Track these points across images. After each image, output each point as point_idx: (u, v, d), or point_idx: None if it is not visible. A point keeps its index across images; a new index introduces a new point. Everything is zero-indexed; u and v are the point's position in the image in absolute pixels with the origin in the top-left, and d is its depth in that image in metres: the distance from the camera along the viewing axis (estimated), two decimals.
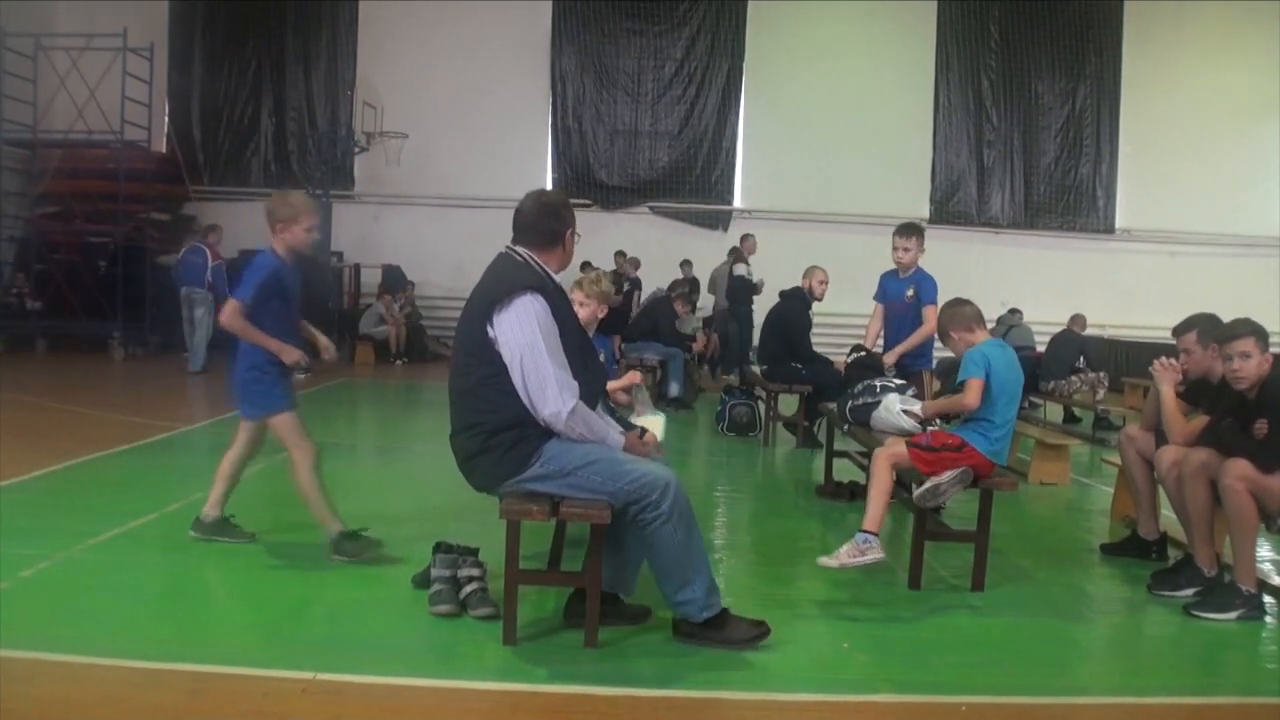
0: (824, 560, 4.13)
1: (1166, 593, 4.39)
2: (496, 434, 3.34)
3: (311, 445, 4.39)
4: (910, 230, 6.38)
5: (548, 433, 3.34)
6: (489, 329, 3.32)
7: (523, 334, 3.28)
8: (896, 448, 4.39)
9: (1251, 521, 4.05)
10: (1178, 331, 4.70)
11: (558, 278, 3.58)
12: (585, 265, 10.10)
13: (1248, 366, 4.10)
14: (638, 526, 3.33)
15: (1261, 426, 4.08)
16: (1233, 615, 4.08)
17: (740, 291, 12.91)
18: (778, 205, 16.97)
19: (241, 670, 3.14)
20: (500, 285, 3.39)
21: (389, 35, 16.67)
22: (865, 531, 4.15)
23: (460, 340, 3.50)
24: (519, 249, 3.52)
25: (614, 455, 3.39)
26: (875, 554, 4.12)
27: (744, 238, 13.61)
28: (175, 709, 2.91)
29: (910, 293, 6.26)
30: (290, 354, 4.32)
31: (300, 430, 4.37)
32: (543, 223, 3.52)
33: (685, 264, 14.91)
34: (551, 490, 3.37)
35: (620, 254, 14.86)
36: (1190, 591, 4.31)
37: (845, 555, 4.10)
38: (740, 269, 13.06)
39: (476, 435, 3.38)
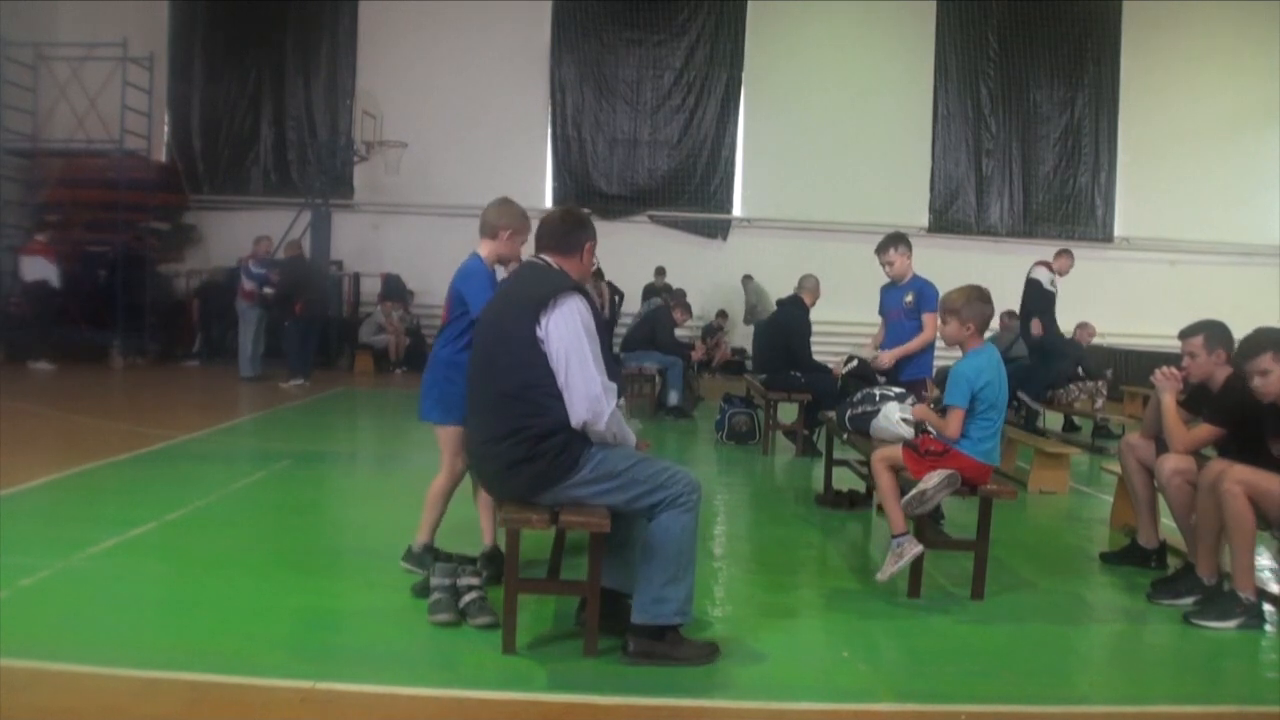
0: (878, 575, 4.37)
1: (1167, 601, 4.39)
2: (544, 439, 3.31)
3: (461, 466, 4.22)
4: (888, 243, 6.21)
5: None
6: (537, 330, 3.32)
7: (571, 335, 3.30)
8: (889, 449, 4.57)
9: (1249, 526, 4.04)
10: (1184, 334, 4.65)
11: None
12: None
13: (1269, 383, 4.10)
14: (658, 513, 3.35)
15: None
16: (1233, 624, 4.08)
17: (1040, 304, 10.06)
18: (777, 214, 17.02)
19: (240, 679, 3.14)
20: (544, 286, 3.39)
21: (389, 44, 16.71)
22: (895, 536, 4.35)
23: (498, 344, 3.42)
24: (544, 256, 3.59)
25: (645, 455, 3.52)
26: (912, 551, 4.30)
27: (1059, 254, 10.31)
28: (174, 718, 2.91)
29: (909, 298, 6.11)
30: None
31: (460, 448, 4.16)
32: (566, 230, 3.61)
33: (659, 271, 15.02)
34: (597, 493, 3.37)
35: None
36: (1190, 600, 4.31)
37: (889, 565, 4.32)
38: (1042, 274, 10.10)
39: (521, 441, 3.32)
